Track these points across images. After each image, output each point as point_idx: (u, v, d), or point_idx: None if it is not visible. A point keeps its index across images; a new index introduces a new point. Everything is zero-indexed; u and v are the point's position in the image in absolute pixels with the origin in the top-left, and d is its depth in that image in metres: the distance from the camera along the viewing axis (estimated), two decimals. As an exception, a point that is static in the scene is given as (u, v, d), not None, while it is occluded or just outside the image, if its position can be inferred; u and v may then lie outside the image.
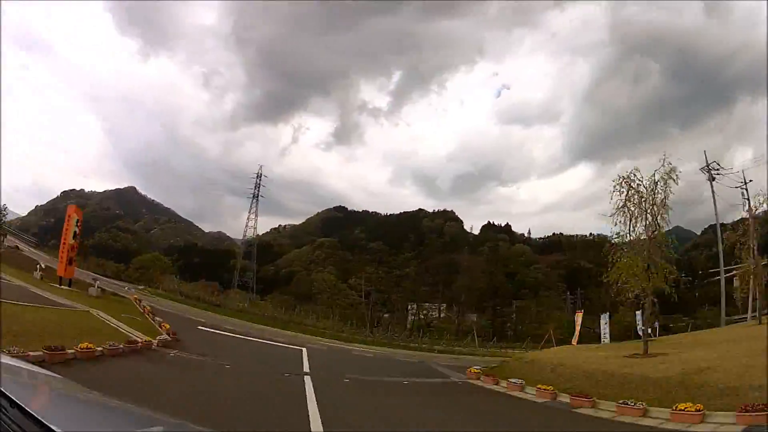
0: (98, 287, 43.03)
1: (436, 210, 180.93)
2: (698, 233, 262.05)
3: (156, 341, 25.32)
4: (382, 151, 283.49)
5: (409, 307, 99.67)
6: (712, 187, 64.88)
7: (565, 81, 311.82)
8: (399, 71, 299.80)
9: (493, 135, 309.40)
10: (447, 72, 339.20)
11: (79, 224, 44.35)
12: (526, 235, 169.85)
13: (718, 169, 63.36)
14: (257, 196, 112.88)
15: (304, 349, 36.49)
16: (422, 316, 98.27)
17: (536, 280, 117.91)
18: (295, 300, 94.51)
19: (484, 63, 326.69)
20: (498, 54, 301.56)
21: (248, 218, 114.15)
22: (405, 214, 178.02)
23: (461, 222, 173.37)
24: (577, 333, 58.91)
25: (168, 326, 30.55)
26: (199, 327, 41.35)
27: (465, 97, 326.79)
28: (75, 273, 45.71)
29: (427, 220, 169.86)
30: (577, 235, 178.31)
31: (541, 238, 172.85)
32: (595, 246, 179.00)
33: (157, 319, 34.92)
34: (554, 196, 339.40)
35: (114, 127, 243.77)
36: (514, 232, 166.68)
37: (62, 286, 40.31)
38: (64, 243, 42.97)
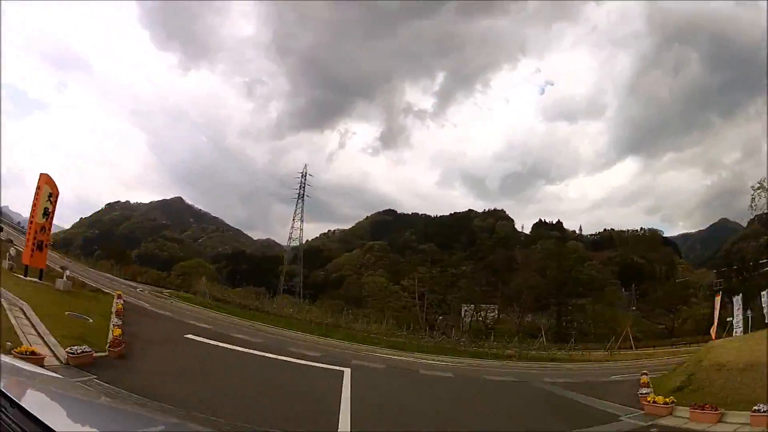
0: (67, 278, 32.70)
1: (486, 210, 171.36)
2: (744, 225, 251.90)
3: (67, 354, 14.76)
4: (429, 154, 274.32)
5: (465, 308, 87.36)
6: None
7: (607, 74, 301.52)
8: (442, 72, 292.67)
9: (538, 132, 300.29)
10: (490, 71, 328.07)
11: (53, 199, 32.38)
12: (577, 232, 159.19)
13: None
14: (303, 196, 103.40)
15: (347, 371, 22.33)
16: (480, 318, 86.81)
17: (590, 277, 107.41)
18: (345, 304, 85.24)
19: (526, 60, 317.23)
20: (539, 50, 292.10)
21: (293, 219, 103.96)
22: (455, 215, 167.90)
23: (512, 221, 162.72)
24: (716, 322, 48.54)
25: (119, 332, 19.87)
26: (189, 336, 27.21)
27: (509, 95, 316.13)
28: (50, 262, 36.99)
29: (478, 220, 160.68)
30: (627, 231, 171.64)
31: (591, 235, 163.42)
32: (646, 241, 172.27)
33: (116, 321, 23.59)
34: (602, 192, 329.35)
35: (158, 139, 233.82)
36: (565, 230, 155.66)
37: (28, 278, 30.82)
38: (31, 222, 31.96)
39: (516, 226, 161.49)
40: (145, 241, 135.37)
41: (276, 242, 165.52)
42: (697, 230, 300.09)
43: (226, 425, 7.80)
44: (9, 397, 2.10)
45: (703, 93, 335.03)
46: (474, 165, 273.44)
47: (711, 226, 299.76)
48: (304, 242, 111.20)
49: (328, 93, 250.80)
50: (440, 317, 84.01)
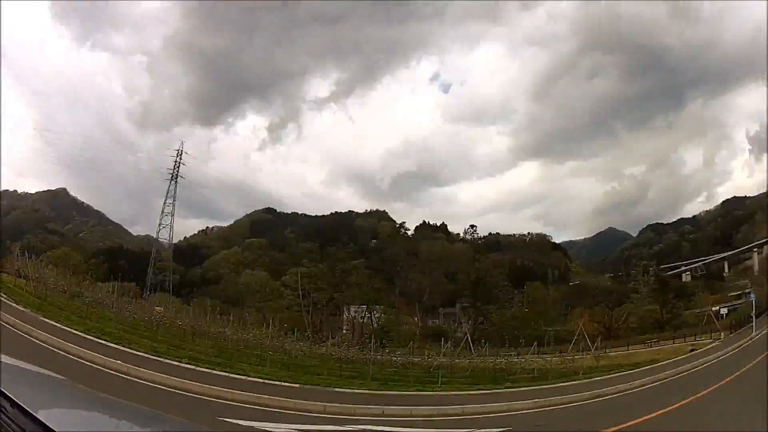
0: None
1: (369, 210, 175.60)
2: (634, 234, 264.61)
3: None
4: (320, 152, 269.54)
5: (354, 310, 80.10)
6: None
7: (517, 78, 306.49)
8: (343, 68, 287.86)
9: (437, 133, 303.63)
10: (393, 68, 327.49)
11: None
12: (462, 234, 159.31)
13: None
14: (176, 177, 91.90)
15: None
16: (375, 320, 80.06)
17: (480, 279, 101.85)
18: (222, 304, 75.76)
19: (431, 59, 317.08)
20: (446, 50, 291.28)
21: (165, 203, 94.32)
22: (336, 214, 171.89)
23: (394, 222, 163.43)
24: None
25: None
26: None
27: (411, 94, 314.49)
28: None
29: (360, 220, 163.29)
30: (514, 235, 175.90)
31: (480, 238, 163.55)
32: (535, 245, 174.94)
33: None
34: (496, 197, 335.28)
35: (47, 122, 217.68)
36: (450, 232, 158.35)
37: None
38: None
39: (402, 227, 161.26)
40: (29, 234, 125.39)
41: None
42: (582, 238, 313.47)
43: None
44: (9, 397, 2.06)
45: (615, 103, 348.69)
46: (365, 163, 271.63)
47: (598, 234, 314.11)
48: (182, 239, 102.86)
49: (221, 86, 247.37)
50: (326, 318, 76.03)
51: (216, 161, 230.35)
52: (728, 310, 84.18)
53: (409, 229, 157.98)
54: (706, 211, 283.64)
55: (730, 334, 56.11)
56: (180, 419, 2.90)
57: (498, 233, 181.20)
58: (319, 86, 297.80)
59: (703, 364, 33.52)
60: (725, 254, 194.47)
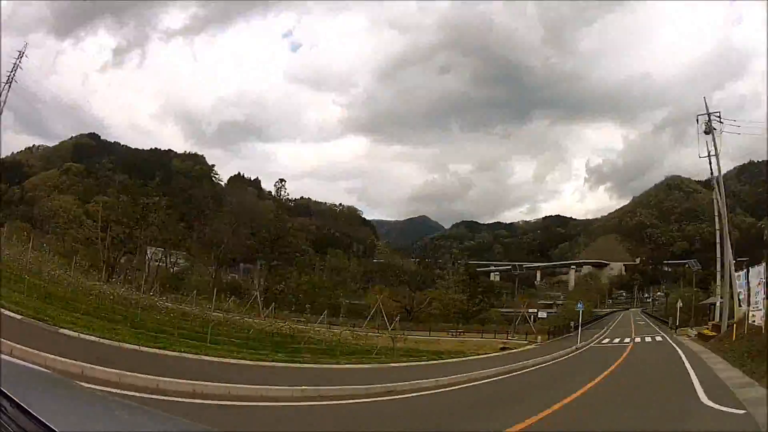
0: None
1: (188, 152, 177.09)
2: (447, 227, 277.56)
3: None
4: (156, 84, 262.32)
5: (152, 251, 76.39)
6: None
7: (369, 55, 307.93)
8: (202, 3, 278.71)
9: (273, 90, 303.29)
10: (250, 15, 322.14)
11: None
12: (274, 193, 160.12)
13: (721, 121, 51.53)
14: (11, 81, 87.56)
15: None
16: (170, 264, 79.29)
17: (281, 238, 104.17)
18: (32, 228, 75.30)
19: (289, 15, 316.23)
20: (307, 11, 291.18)
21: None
22: (156, 151, 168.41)
23: (210, 168, 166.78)
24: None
25: None
26: None
27: (259, 46, 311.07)
28: None
29: (178, 161, 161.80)
30: (326, 203, 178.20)
31: (291, 200, 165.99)
32: (345, 217, 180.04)
33: None
34: (316, 163, 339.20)
35: None
36: (262, 189, 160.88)
37: None
38: None
39: (218, 177, 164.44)
40: None
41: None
42: (394, 219, 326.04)
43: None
44: (9, 396, 2.04)
45: (457, 101, 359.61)
46: (197, 105, 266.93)
47: (410, 219, 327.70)
48: (9, 154, 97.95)
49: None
50: (124, 257, 70.63)
51: (57, 76, 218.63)
52: (546, 314, 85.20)
53: (222, 181, 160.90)
54: (525, 221, 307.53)
55: (548, 339, 53.30)
56: (180, 419, 2.84)
57: (310, 198, 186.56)
58: (175, 17, 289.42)
59: (529, 367, 27.79)
60: (541, 264, 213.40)
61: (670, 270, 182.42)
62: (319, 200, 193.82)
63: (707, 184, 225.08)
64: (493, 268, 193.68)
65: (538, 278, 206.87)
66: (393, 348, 30.57)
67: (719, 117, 47.59)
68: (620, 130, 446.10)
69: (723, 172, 51.50)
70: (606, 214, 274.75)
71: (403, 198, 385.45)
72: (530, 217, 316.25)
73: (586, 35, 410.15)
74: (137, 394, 9.94)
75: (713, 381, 19.99)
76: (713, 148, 48.02)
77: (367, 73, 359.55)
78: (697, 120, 49.17)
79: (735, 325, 33.46)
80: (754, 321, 27.74)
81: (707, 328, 49.52)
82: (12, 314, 16.79)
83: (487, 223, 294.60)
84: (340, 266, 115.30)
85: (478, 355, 35.09)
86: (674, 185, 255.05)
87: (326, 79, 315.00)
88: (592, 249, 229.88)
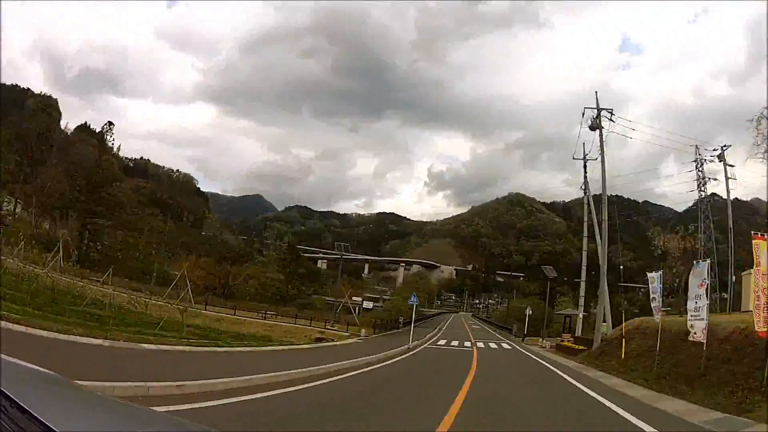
0: None
1: (43, 93, 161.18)
2: (280, 209, 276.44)
3: None
4: (27, 20, 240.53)
5: None
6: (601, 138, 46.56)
7: (237, 24, 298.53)
8: None
9: (138, 40, 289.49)
10: None
11: None
12: (115, 150, 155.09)
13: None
14: None
15: None
16: None
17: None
18: None
19: None
20: None
21: None
22: (15, 88, 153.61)
23: (60, 114, 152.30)
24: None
25: None
26: None
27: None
28: None
29: (33, 101, 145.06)
30: (165, 167, 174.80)
31: (131, 159, 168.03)
32: (181, 184, 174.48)
33: None
34: (163, 126, 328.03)
35: None
36: (105, 143, 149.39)
37: None
38: None
39: (61, 123, 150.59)
40: None
41: None
42: (229, 194, 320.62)
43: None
44: (9, 396, 2.02)
45: (313, 86, 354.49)
46: (64, 47, 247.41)
47: (245, 196, 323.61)
48: None
49: None
50: None
51: None
52: (372, 306, 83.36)
53: (70, 129, 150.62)
54: (360, 214, 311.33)
55: (374, 333, 48.04)
56: (180, 419, 2.86)
57: (149, 160, 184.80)
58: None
59: (357, 369, 19.81)
60: (371, 258, 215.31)
61: (502, 280, 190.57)
62: (159, 164, 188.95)
63: (551, 206, 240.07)
64: (321, 255, 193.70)
65: (366, 271, 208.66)
66: (182, 323, 24.65)
67: (611, 114, 44.91)
68: (470, 142, 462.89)
69: (572, 198, 50.88)
70: (442, 219, 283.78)
71: (241, 174, 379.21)
72: (365, 211, 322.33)
73: (459, 48, 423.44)
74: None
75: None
76: (599, 145, 45.00)
77: (233, 42, 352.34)
78: (583, 113, 45.76)
79: (624, 339, 31.07)
80: (695, 335, 21.00)
81: (569, 341, 46.65)
82: None
83: (320, 210, 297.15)
84: (162, 230, 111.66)
85: (291, 345, 28.16)
86: (516, 201, 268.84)
87: (193, 40, 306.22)
88: (423, 250, 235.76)
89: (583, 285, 52.15)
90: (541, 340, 53.47)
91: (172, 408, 8.63)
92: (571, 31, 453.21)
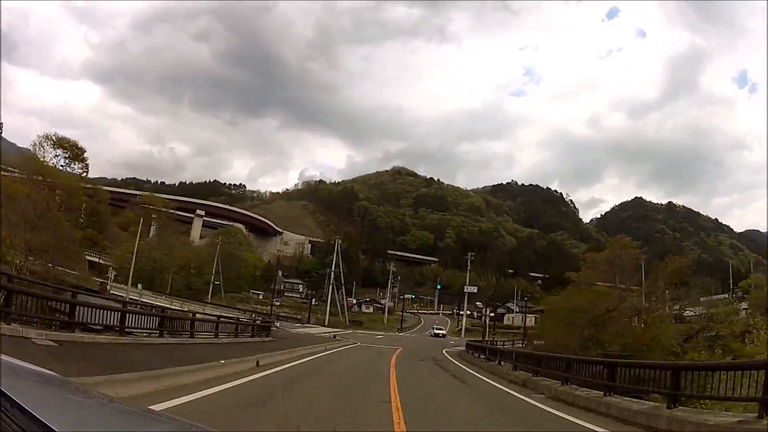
0: None
1: None
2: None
3: None
4: None
5: None
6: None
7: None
8: None
9: (43, 8, 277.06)
10: None
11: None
12: None
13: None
14: None
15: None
16: None
17: None
18: None
19: None
20: None
21: None
22: None
23: None
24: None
25: None
26: None
27: None
28: None
29: None
30: (30, 149, 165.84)
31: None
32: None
33: None
34: (45, 101, 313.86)
35: None
36: None
37: None
38: None
39: None
40: None
41: None
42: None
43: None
44: (9, 396, 1.97)
45: (198, 73, 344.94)
46: None
47: (122, 179, 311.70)
48: None
49: None
50: None
51: None
52: None
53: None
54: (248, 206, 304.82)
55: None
56: (180, 419, 2.83)
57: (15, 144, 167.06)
58: None
59: None
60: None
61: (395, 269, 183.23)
62: (27, 147, 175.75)
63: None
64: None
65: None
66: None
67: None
68: (347, 150, 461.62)
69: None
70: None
71: (113, 162, 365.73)
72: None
73: (354, 53, 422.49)
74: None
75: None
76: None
77: (130, 18, 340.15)
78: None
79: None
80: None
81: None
82: None
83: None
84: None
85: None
86: (406, 173, 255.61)
87: (93, 9, 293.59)
88: (262, 211, 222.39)
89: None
90: None
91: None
92: (476, 51, 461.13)
